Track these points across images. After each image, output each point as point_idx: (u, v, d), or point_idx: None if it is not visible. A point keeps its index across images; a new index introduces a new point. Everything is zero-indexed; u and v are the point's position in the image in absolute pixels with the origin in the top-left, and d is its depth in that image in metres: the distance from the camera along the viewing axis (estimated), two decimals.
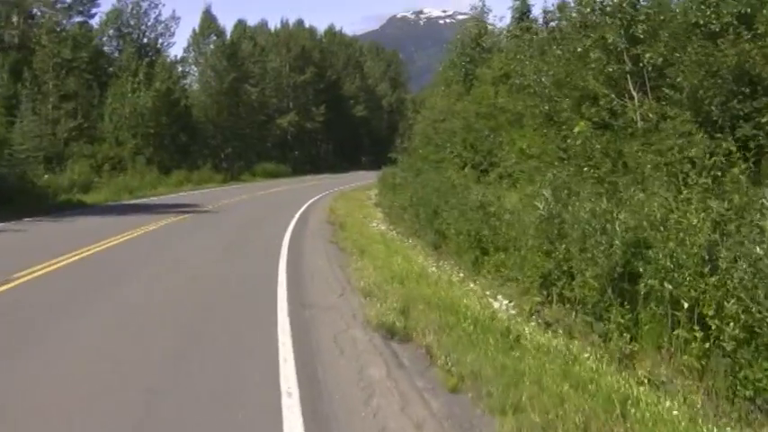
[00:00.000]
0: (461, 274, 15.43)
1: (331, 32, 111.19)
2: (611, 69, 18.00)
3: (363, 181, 68.45)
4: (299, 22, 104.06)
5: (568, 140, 20.57)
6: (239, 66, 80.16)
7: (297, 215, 30.58)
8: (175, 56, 71.33)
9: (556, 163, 21.33)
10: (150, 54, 67.86)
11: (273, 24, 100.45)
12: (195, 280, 14.20)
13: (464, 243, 16.94)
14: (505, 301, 12.17)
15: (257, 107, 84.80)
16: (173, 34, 70.93)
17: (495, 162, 32.17)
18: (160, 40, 71.01)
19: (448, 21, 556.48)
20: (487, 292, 12.99)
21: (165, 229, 24.49)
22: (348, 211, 31.79)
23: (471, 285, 13.77)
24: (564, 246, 11.59)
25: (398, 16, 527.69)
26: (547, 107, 22.67)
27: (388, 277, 13.33)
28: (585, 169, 16.74)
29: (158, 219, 27.22)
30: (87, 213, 30.82)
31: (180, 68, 72.48)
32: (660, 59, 16.83)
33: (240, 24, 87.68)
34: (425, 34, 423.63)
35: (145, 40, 69.97)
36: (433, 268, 15.74)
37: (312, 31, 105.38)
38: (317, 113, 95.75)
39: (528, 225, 13.19)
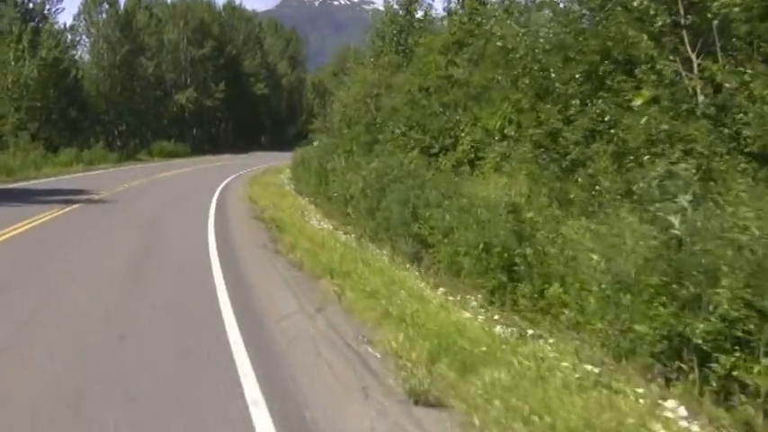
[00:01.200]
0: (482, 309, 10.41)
1: (230, 6, 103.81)
2: (659, 23, 12.95)
3: (269, 162, 63.13)
4: None
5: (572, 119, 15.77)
6: (134, 37, 73.09)
7: (212, 207, 24.95)
8: (64, 23, 63.67)
9: (556, 148, 16.53)
10: (36, 20, 60.49)
11: None
12: (85, 333, 8.76)
13: (476, 262, 11.91)
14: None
15: (153, 82, 77.74)
16: None
17: (448, 145, 27.34)
18: (47, 6, 63.50)
19: (342, 2, 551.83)
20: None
21: (43, 228, 18.37)
22: (272, 202, 26.30)
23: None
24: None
25: None
26: (541, 75, 17.70)
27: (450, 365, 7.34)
28: (647, 158, 11.66)
29: (37, 211, 20.97)
30: None
31: (69, 37, 65.05)
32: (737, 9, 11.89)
33: None
34: (319, 16, 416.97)
35: (30, 5, 62.48)
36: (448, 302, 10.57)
37: (211, 3, 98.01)
38: (217, 90, 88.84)
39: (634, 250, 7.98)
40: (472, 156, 26.38)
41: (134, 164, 57.42)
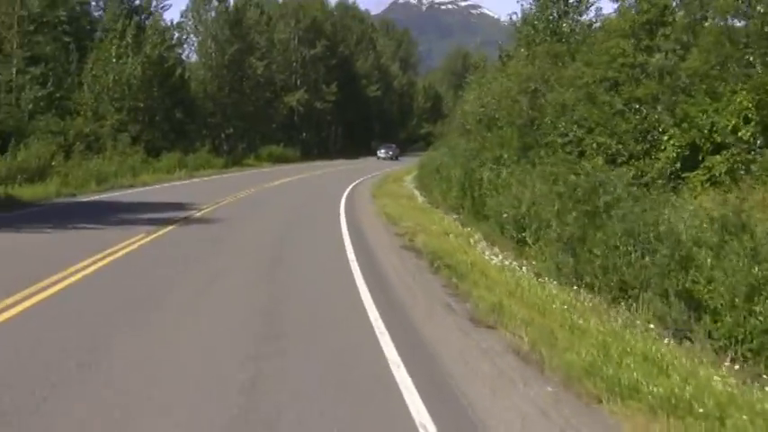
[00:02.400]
0: None
1: (343, 5, 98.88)
2: None
3: (385, 168, 58.03)
4: None
5: None
6: (244, 36, 68.43)
7: (344, 229, 19.11)
8: (171, 20, 59.00)
9: None
10: (142, 16, 56.38)
11: None
12: None
13: None
14: None
15: (263, 83, 72.28)
16: None
17: (640, 152, 21.13)
18: (154, 2, 59.53)
19: (450, 6, 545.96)
20: None
21: (114, 268, 12.36)
22: (415, 221, 20.46)
23: None
24: None
25: (401, 1, 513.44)
26: None
27: None
28: None
29: (111, 238, 15.22)
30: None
31: (176, 35, 60.60)
32: None
33: None
34: (426, 20, 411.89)
35: (137, 2, 58.56)
36: None
37: (323, 2, 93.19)
38: (328, 92, 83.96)
39: None
40: (678, 165, 20.00)
41: (241, 169, 52.50)
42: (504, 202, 19.39)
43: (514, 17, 35.02)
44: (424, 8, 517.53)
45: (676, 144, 19.72)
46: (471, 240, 18.17)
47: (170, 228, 17.84)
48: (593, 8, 32.04)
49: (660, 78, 21.10)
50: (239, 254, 14.75)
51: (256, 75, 70.15)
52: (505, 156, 25.47)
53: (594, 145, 21.66)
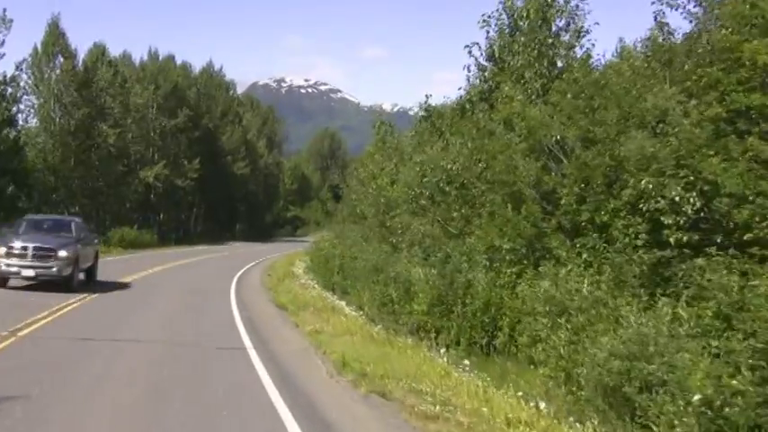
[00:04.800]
0: None
1: (208, 72, 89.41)
2: None
3: (259, 258, 51.73)
4: (171, 57, 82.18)
5: None
6: (94, 99, 58.79)
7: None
8: (3, 73, 48.00)
9: None
10: None
11: (139, 57, 78.41)
12: None
13: None
14: None
15: (115, 154, 62.56)
16: (1, 43, 48.11)
17: None
18: None
19: (309, 90, 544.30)
20: None
21: None
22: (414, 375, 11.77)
23: None
24: None
25: (260, 83, 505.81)
26: None
27: None
28: None
29: None
30: None
31: (9, 90, 50.02)
32: None
33: (98, 48, 65.08)
34: (286, 103, 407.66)
35: None
36: None
37: (186, 67, 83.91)
38: (190, 168, 74.42)
39: None
40: None
41: None
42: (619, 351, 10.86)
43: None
44: (283, 91, 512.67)
45: None
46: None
47: None
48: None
49: None
50: None
51: (108, 144, 60.39)
52: (506, 247, 17.58)
53: None
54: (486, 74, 27.15)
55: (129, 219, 65.34)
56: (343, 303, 24.57)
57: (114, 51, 69.63)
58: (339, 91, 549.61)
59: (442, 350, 16.50)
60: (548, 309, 14.32)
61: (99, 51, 64.91)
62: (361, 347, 15.10)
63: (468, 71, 27.64)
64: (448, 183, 25.38)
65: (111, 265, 33.05)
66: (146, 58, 79.89)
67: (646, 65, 19.73)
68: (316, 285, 30.50)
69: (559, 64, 24.66)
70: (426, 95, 35.15)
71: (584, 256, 16.82)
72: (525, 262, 18.65)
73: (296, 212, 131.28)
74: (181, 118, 74.60)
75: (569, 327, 13.33)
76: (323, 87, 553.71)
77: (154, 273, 33.41)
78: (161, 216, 77.35)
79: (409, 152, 33.56)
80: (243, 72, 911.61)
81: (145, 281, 29.20)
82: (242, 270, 38.93)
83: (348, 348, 14.63)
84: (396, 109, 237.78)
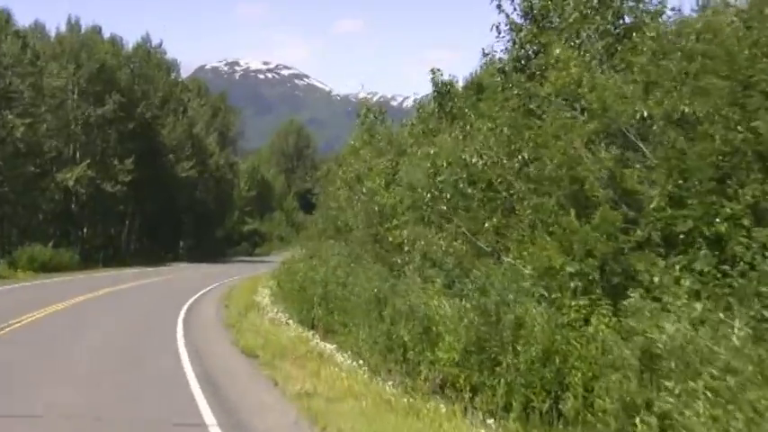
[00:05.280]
0: None
1: (144, 48, 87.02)
2: None
3: (213, 282, 50.66)
4: (96, 30, 79.70)
5: None
6: None
7: None
8: None
9: None
10: None
11: (55, 28, 76.79)
12: None
13: None
14: None
15: (24, 152, 61.95)
16: None
17: None
18: None
19: (269, 75, 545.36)
20: None
21: None
22: None
23: None
24: None
25: (208, 67, 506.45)
26: None
27: None
28: None
29: None
30: None
31: None
32: None
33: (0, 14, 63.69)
34: (241, 91, 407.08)
35: None
36: None
37: (116, 42, 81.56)
38: (123, 169, 73.08)
39: None
40: None
41: None
42: None
43: None
44: (237, 76, 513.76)
45: None
46: None
47: None
48: None
49: None
50: None
51: (14, 138, 59.78)
52: (571, 270, 15.14)
53: None
54: (521, 35, 25.16)
55: (42, 234, 65.09)
56: (333, 347, 22.09)
57: (22, 20, 67.88)
58: (306, 76, 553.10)
59: (489, 419, 13.99)
60: (673, 365, 11.65)
61: (2, 19, 63.92)
62: (376, 420, 12.72)
63: (498, 33, 25.53)
64: (470, 183, 23.13)
65: (5, 297, 29.90)
66: (63, 29, 78.69)
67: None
68: (290, 321, 28.14)
69: (626, 19, 22.66)
70: (433, 70, 33.33)
71: (687, 282, 14.21)
72: (598, 291, 16.12)
73: (255, 226, 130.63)
74: (110, 106, 73.66)
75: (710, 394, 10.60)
76: (285, 72, 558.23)
77: (67, 307, 30.19)
78: (84, 230, 76.64)
79: (410, 144, 32.27)
80: (183, 51, 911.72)
81: (49, 323, 25.70)
82: (191, 300, 36.82)
83: (358, 423, 12.56)
84: (377, 98, 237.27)
